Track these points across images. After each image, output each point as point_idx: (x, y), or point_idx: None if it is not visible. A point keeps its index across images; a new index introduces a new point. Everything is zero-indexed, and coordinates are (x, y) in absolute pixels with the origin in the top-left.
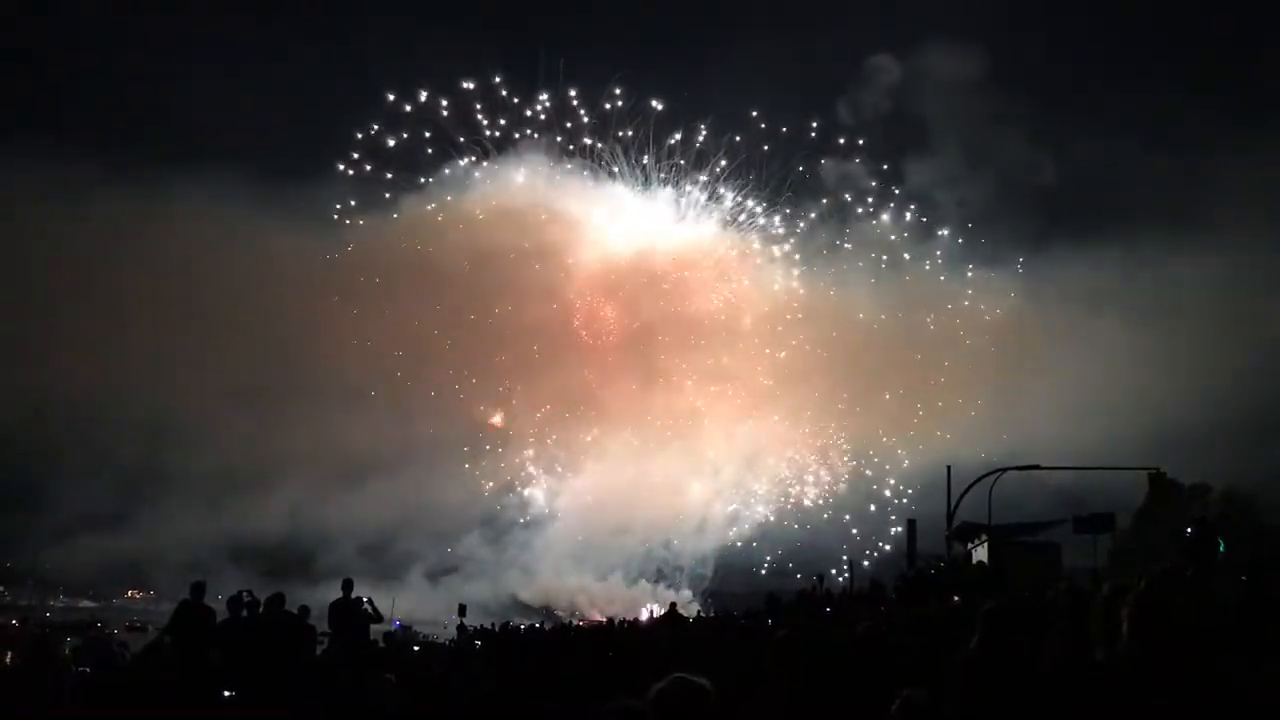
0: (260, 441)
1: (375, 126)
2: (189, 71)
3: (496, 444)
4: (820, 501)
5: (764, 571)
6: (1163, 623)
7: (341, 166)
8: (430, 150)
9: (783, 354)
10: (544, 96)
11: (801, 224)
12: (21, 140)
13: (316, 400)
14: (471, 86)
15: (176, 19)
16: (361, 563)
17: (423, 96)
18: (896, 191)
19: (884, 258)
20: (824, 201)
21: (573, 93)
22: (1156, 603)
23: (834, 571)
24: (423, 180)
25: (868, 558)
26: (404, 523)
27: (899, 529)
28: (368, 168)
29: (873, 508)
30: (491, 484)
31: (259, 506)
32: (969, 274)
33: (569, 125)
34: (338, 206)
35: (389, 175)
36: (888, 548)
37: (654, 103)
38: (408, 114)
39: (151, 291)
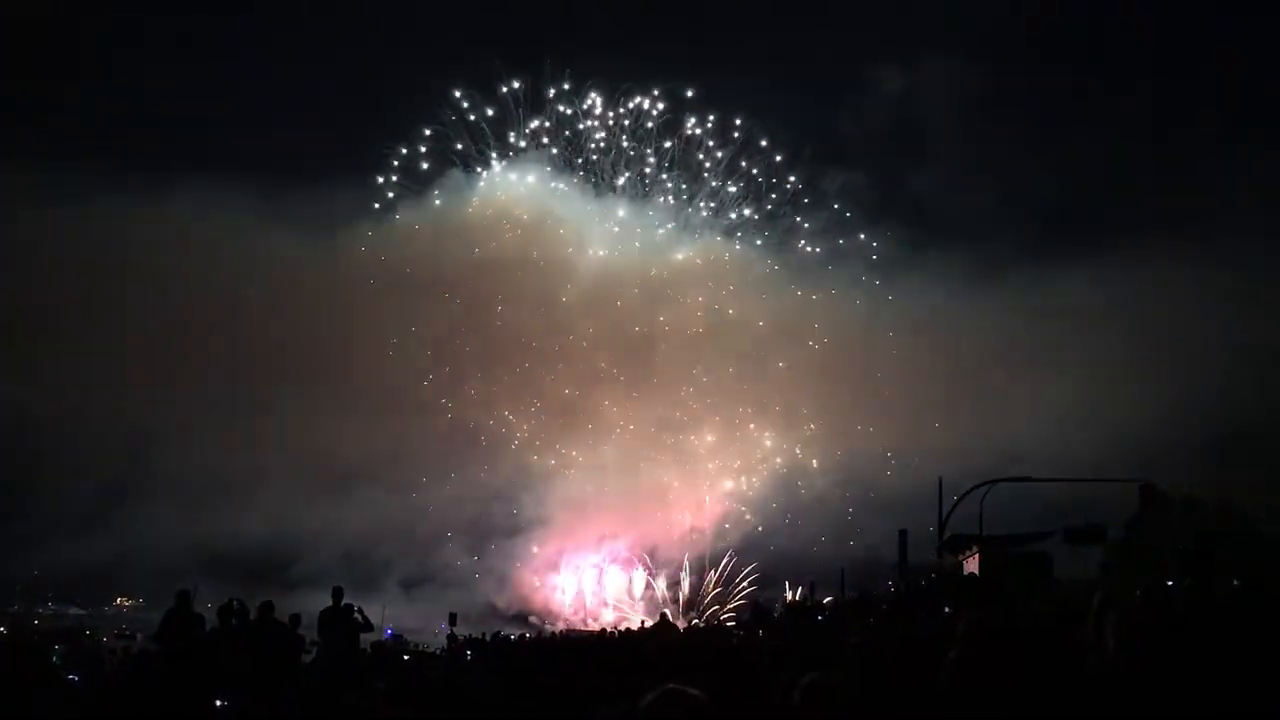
0: (243, 447)
1: (378, 132)
2: (192, 74)
3: (484, 451)
4: (810, 510)
5: (755, 577)
6: (1149, 635)
7: (342, 173)
8: (429, 155)
9: (776, 364)
10: (544, 106)
11: (799, 234)
12: (20, 141)
13: (306, 405)
14: (466, 91)
15: (180, 20)
16: (339, 571)
17: (424, 103)
18: (895, 202)
19: (881, 267)
20: (822, 211)
21: (572, 102)
22: (1143, 617)
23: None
24: (422, 187)
25: (858, 568)
26: (384, 531)
27: (890, 539)
28: (371, 173)
29: (862, 518)
30: (477, 492)
31: (238, 513)
32: (963, 284)
33: (568, 134)
34: (340, 214)
35: (391, 180)
36: (878, 559)
37: (653, 112)
38: (410, 120)
39: (152, 295)
